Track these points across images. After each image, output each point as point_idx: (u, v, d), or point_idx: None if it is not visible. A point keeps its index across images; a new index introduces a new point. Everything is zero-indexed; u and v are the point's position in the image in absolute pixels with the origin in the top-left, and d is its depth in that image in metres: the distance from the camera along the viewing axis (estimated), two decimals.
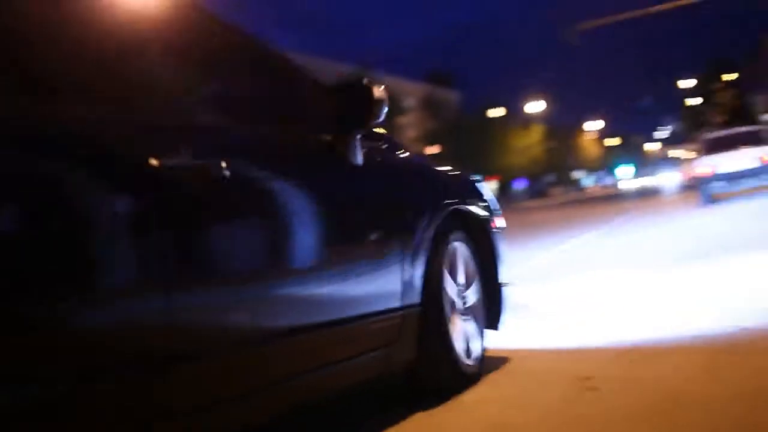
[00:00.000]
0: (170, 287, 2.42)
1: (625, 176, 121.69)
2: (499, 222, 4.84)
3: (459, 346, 4.12)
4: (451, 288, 4.17)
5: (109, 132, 2.41)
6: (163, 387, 2.40)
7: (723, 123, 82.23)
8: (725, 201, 21.54)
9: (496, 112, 79.80)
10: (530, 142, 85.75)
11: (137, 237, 2.34)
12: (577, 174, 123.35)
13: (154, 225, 2.40)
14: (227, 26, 3.25)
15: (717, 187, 21.26)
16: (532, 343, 5.11)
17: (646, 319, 5.50)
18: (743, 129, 24.56)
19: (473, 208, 4.58)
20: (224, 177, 2.67)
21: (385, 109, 3.58)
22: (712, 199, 21.39)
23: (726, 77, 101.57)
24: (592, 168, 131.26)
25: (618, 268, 9.02)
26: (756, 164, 20.59)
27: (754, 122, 52.25)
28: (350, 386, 3.50)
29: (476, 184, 4.81)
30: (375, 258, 3.57)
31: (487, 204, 4.77)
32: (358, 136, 3.59)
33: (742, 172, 20.72)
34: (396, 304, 3.68)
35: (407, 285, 3.75)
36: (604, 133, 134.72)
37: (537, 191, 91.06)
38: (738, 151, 21.03)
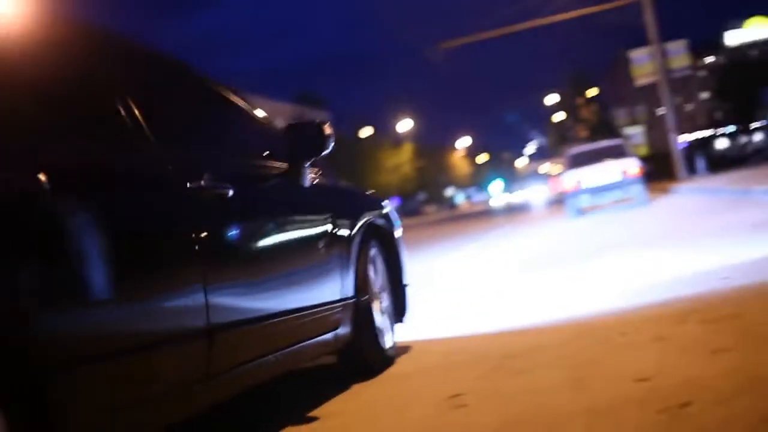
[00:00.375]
0: (206, 278, 3.20)
1: (496, 192, 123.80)
2: (399, 232, 5.85)
3: (382, 333, 5.12)
4: (373, 286, 5.17)
5: (164, 165, 3.25)
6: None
7: (587, 137, 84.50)
8: (592, 213, 21.97)
9: (367, 132, 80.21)
10: (401, 161, 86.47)
11: (184, 239, 3.18)
12: (449, 191, 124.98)
13: (192, 230, 3.22)
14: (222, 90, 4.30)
15: (583, 200, 21.65)
16: (430, 335, 6.20)
17: (525, 315, 6.26)
18: (606, 143, 25.11)
19: (382, 221, 5.55)
20: (229, 195, 3.55)
21: (332, 143, 4.48)
22: (580, 212, 21.76)
23: (588, 93, 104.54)
24: (463, 185, 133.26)
25: (495, 274, 10.11)
26: (619, 177, 21.04)
27: (616, 136, 53.70)
28: (316, 357, 4.61)
29: (382, 201, 5.79)
30: (323, 260, 4.53)
31: (390, 217, 5.75)
32: (307, 164, 4.48)
33: (606, 185, 21.14)
34: (338, 296, 4.62)
35: (345, 282, 4.72)
36: (474, 150, 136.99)
37: (410, 209, 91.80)
38: (601, 164, 21.45)
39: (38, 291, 2.31)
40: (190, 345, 3.10)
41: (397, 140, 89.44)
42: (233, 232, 3.60)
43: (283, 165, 4.36)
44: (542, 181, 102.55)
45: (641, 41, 34.85)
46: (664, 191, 27.08)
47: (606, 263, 8.96)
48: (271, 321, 3.77)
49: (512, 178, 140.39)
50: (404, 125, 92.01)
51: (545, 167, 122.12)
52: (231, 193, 3.54)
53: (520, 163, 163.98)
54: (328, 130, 4.47)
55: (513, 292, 7.87)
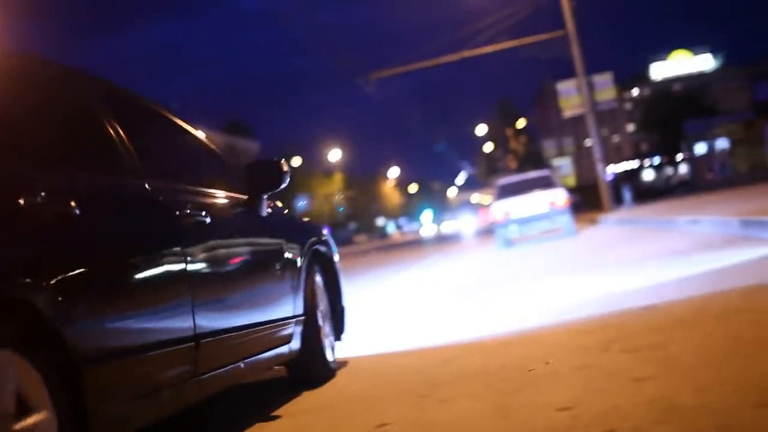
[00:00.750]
0: (193, 293, 3.84)
1: (426, 222, 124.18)
2: (337, 258, 6.41)
3: (326, 348, 5.71)
4: (319, 305, 5.71)
5: (161, 195, 3.95)
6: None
7: (516, 168, 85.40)
8: (521, 243, 22.16)
9: (297, 161, 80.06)
10: (332, 190, 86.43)
11: (176, 260, 3.81)
12: (380, 221, 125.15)
13: (181, 253, 3.84)
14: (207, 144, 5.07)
15: (512, 230, 21.85)
16: (364, 351, 6.78)
17: (454, 337, 6.69)
18: (534, 174, 25.41)
19: (323, 247, 6.10)
20: (207, 222, 4.20)
21: (288, 179, 5.14)
22: (509, 242, 21.94)
23: (517, 124, 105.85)
24: (394, 215, 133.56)
25: (426, 300, 10.79)
26: (546, 208, 21.28)
27: (545, 167, 54.38)
28: (271, 367, 5.22)
29: (322, 229, 6.31)
30: (280, 281, 5.13)
31: (329, 244, 6.28)
32: (265, 197, 5.14)
33: (534, 215, 21.35)
34: (291, 314, 5.19)
35: (296, 301, 5.30)
36: (405, 180, 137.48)
37: (341, 239, 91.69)
38: (529, 195, 21.68)
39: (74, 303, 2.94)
40: (183, 348, 3.72)
41: (328, 170, 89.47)
42: (212, 255, 4.25)
43: (244, 197, 5.03)
44: (473, 211, 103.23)
45: (569, 73, 35.42)
46: (592, 222, 27.46)
47: (531, 289, 9.40)
48: (240, 332, 4.39)
49: (443, 208, 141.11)
50: (334, 155, 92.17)
51: (476, 197, 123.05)
52: (208, 221, 4.23)
53: (451, 193, 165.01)
54: (284, 167, 5.13)
55: (442, 317, 8.37)
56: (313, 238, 5.93)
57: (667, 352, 4.27)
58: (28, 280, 2.75)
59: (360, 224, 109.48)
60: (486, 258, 19.30)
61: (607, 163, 36.25)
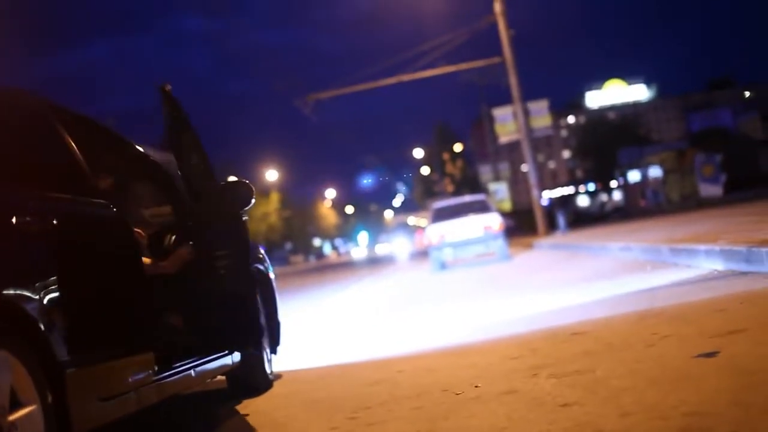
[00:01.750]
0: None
1: (361, 244, 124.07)
2: (273, 275, 6.74)
3: (265, 360, 6.05)
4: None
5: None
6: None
7: (453, 192, 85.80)
8: (455, 266, 22.25)
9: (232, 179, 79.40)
10: (268, 210, 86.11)
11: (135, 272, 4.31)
12: (316, 242, 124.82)
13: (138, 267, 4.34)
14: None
15: (446, 253, 21.93)
16: (299, 365, 7.19)
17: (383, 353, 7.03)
18: (469, 198, 25.61)
19: (261, 265, 6.43)
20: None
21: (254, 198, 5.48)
22: (443, 265, 22.00)
23: (454, 147, 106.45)
24: (331, 236, 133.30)
25: (358, 317, 11.24)
26: (481, 232, 21.40)
27: (481, 191, 54.76)
28: (216, 375, 5.45)
29: (259, 248, 6.65)
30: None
31: (266, 261, 6.64)
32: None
33: (468, 239, 21.46)
34: None
35: None
36: (341, 201, 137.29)
37: (277, 258, 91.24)
38: (464, 219, 21.79)
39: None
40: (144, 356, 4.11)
41: (265, 189, 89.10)
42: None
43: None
44: (409, 234, 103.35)
45: (506, 99, 35.75)
46: (526, 246, 27.68)
47: (462, 308, 9.83)
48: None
49: (380, 230, 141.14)
50: (271, 174, 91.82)
51: (412, 220, 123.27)
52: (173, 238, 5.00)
53: (388, 215, 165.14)
54: (252, 188, 5.46)
55: (375, 334, 8.71)
56: (254, 256, 6.19)
57: (593, 377, 4.29)
58: (20, 289, 3.14)
59: (296, 244, 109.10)
60: (420, 279, 19.44)
61: (543, 189, 36.59)
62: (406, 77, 34.27)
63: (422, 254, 38.42)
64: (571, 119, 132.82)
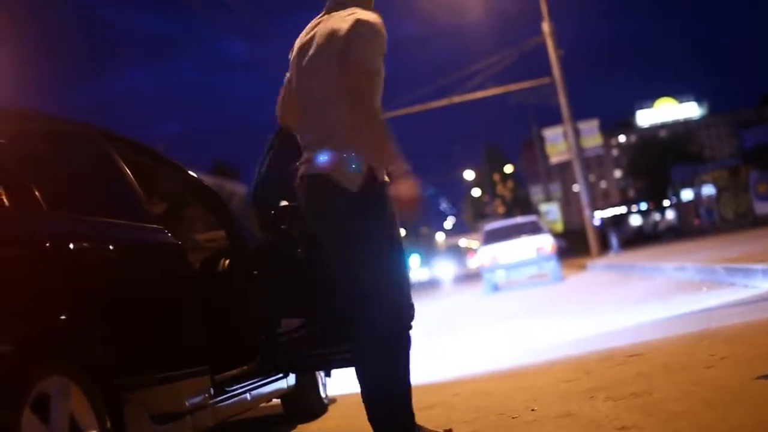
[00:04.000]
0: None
1: (413, 267, 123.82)
2: None
3: (320, 384, 6.00)
4: None
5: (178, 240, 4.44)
6: None
7: (504, 213, 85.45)
8: (507, 288, 22.16)
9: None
10: None
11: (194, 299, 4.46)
12: None
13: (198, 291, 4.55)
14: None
15: (498, 275, 21.83)
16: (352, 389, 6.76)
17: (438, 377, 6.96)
18: (521, 219, 25.49)
19: None
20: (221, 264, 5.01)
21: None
22: (495, 287, 21.92)
23: (505, 169, 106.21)
24: None
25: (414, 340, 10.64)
26: (533, 253, 21.30)
27: (532, 212, 54.49)
28: (272, 399, 5.50)
29: None
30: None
31: None
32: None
33: (520, 261, 21.37)
34: None
35: None
36: None
37: None
38: (516, 240, 21.71)
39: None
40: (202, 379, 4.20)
41: None
42: (227, 291, 4.97)
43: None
44: (460, 256, 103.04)
45: (556, 119, 35.65)
46: (579, 267, 27.47)
47: (516, 330, 9.73)
48: (249, 365, 4.94)
49: (432, 253, 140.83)
50: None
51: (464, 242, 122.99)
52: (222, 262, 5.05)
53: (440, 237, 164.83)
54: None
55: (429, 356, 8.49)
56: None
57: (650, 399, 4.27)
58: (78, 315, 3.23)
59: None
60: (472, 301, 19.40)
61: (595, 209, 36.34)
62: (456, 99, 34.31)
63: (472, 277, 38.30)
64: (621, 138, 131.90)
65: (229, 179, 76.98)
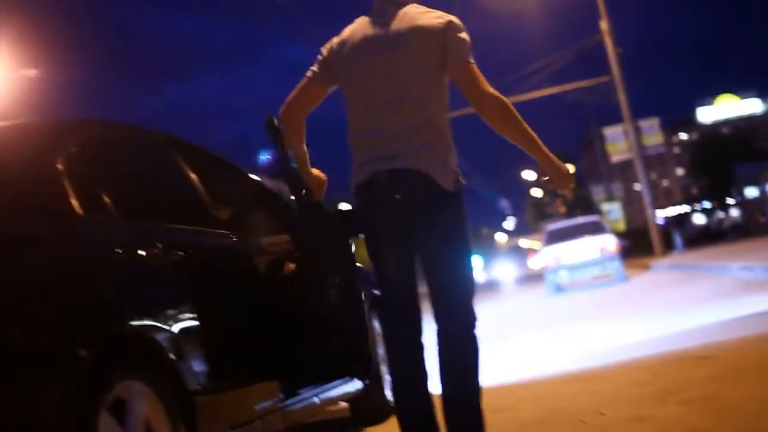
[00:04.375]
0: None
1: (475, 268, 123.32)
2: None
3: (386, 387, 5.77)
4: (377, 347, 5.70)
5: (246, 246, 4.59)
6: None
7: (565, 213, 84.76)
8: (570, 289, 22.00)
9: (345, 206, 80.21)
10: None
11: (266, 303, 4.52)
12: None
13: (268, 295, 4.57)
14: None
15: (562, 276, 21.66)
16: None
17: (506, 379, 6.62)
18: (583, 219, 25.28)
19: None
20: (288, 268, 4.69)
21: None
22: (559, 288, 21.75)
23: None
24: None
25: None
26: (597, 254, 21.10)
27: (594, 212, 53.98)
28: (338, 402, 5.47)
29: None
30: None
31: None
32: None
33: (584, 261, 21.18)
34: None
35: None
36: None
37: None
38: (579, 241, 21.53)
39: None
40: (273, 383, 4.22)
41: None
42: (295, 296, 4.62)
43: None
44: (521, 257, 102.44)
45: (615, 118, 35.31)
46: (642, 267, 27.16)
47: (582, 331, 9.61)
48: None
49: (493, 254, 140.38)
50: None
51: (525, 242, 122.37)
52: (292, 266, 4.72)
53: (500, 238, 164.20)
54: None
55: (494, 357, 8.29)
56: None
57: (725, 403, 4.21)
58: (151, 320, 3.28)
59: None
60: (535, 302, 19.31)
61: (657, 208, 35.92)
62: (513, 99, 34.12)
63: (533, 278, 38.07)
64: (683, 136, 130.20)
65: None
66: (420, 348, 3.92)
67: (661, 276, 21.06)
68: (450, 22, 3.81)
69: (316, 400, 4.81)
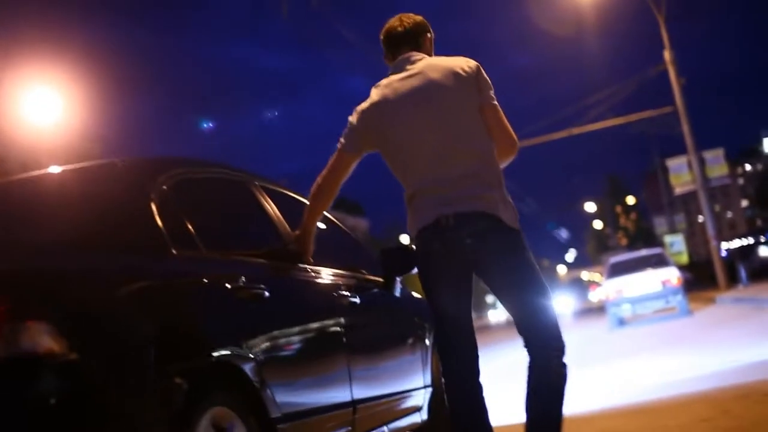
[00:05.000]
0: (350, 362, 4.51)
1: None
2: None
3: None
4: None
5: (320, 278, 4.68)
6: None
7: (627, 245, 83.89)
8: (633, 323, 21.74)
9: (406, 239, 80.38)
10: None
11: (337, 334, 4.57)
12: (489, 298, 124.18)
13: (340, 327, 4.60)
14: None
15: (624, 309, 21.44)
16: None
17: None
18: (646, 252, 25.00)
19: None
20: (357, 302, 4.83)
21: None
22: (621, 321, 21.54)
23: (626, 200, 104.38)
24: None
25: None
26: (659, 287, 20.85)
27: (656, 244, 53.38)
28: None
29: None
30: (413, 354, 5.61)
31: None
32: (399, 279, 5.42)
33: (646, 294, 20.94)
34: (422, 384, 5.62)
35: (425, 372, 5.70)
36: None
37: None
38: (642, 273, 21.31)
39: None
40: (344, 412, 4.36)
41: None
42: (363, 331, 4.84)
43: (379, 279, 5.39)
44: (582, 290, 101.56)
45: (678, 149, 34.94)
46: (707, 300, 26.73)
47: (644, 365, 9.52)
48: (386, 399, 4.98)
49: (554, 286, 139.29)
50: None
51: (586, 275, 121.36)
52: (358, 300, 4.84)
53: (561, 270, 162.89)
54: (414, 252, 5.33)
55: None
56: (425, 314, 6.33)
57: None
58: (237, 350, 3.45)
59: (475, 299, 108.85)
60: (598, 336, 19.07)
61: (721, 240, 35.34)
62: (575, 130, 33.99)
63: (594, 311, 37.67)
64: (747, 167, 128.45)
65: (351, 214, 77.87)
66: (477, 382, 4.05)
67: (727, 309, 20.69)
68: (479, 66, 4.04)
69: (385, 429, 4.93)
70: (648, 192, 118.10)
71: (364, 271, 5.44)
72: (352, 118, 4.14)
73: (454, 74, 3.97)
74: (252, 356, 3.52)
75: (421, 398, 5.63)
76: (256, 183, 4.75)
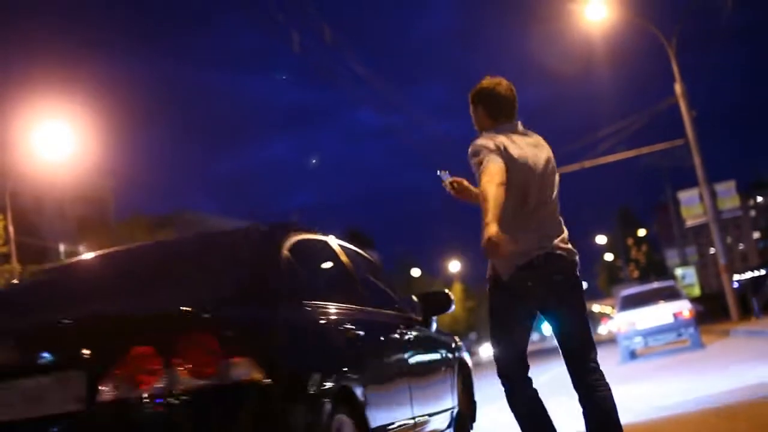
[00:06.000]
0: (410, 386, 5.78)
1: (546, 333, 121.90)
2: (470, 360, 7.90)
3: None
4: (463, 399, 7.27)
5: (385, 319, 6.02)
6: None
7: (638, 278, 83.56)
8: (645, 356, 21.61)
9: (417, 272, 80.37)
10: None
11: (402, 364, 5.98)
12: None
13: (404, 359, 5.95)
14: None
15: (636, 342, 21.33)
16: None
17: None
18: (657, 284, 24.92)
19: (462, 352, 7.59)
20: (409, 337, 6.17)
21: (454, 304, 7.10)
22: (632, 355, 21.42)
23: (638, 232, 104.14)
24: None
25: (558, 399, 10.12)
26: (671, 319, 20.74)
27: (668, 276, 53.16)
28: None
29: (454, 337, 7.85)
30: (444, 379, 6.76)
31: (463, 348, 7.76)
32: (434, 318, 7.09)
33: (658, 327, 20.83)
34: (450, 405, 6.77)
35: (453, 394, 6.89)
36: None
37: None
38: (654, 306, 21.21)
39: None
40: (408, 427, 5.56)
41: (448, 280, 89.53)
42: (416, 361, 6.12)
43: (419, 317, 6.73)
44: (593, 322, 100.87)
45: (689, 181, 34.91)
46: (720, 333, 26.53)
47: (661, 393, 9.10)
48: (430, 416, 6.10)
49: None
50: (454, 265, 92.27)
51: (597, 308, 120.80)
52: (410, 336, 6.18)
53: None
54: (451, 296, 7.08)
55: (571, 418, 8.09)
56: (456, 345, 7.55)
57: None
58: (347, 376, 4.64)
59: (480, 334, 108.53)
60: (607, 370, 18.73)
61: (733, 272, 35.18)
62: (587, 164, 33.98)
63: (603, 344, 37.36)
64: (759, 198, 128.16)
65: (362, 246, 77.92)
66: (538, 396, 5.24)
67: (741, 342, 20.52)
68: (551, 155, 5.08)
69: None
70: (659, 224, 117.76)
71: (408, 311, 6.57)
72: (489, 143, 4.79)
73: (546, 146, 5.11)
74: (357, 380, 4.70)
75: (449, 417, 6.71)
76: (330, 240, 5.96)
